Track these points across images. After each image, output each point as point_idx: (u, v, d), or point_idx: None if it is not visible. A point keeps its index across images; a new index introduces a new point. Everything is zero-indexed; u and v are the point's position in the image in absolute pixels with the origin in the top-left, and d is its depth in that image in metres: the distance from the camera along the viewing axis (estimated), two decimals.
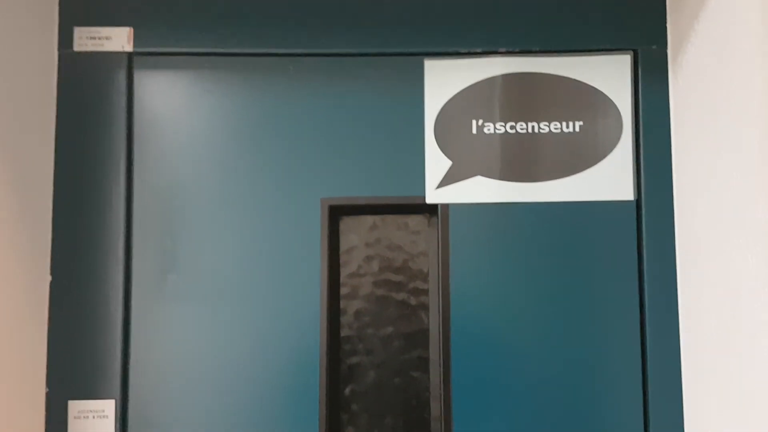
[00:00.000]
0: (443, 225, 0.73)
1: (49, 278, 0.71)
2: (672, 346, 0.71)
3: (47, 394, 0.70)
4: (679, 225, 0.71)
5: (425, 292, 0.77)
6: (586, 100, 0.73)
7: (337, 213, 0.76)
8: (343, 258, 0.77)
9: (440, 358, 0.72)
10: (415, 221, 0.78)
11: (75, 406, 0.70)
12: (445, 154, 0.73)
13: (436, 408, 0.74)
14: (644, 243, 0.72)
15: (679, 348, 0.71)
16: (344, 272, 0.77)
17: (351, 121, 0.74)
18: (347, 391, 0.75)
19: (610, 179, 0.72)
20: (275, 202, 0.73)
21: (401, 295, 0.77)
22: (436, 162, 0.73)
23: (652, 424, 0.70)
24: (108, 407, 0.70)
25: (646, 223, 0.72)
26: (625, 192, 0.72)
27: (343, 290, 0.77)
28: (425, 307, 0.76)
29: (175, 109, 0.74)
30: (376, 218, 0.78)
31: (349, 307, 0.77)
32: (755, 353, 0.55)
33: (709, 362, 0.64)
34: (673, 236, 0.72)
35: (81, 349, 0.71)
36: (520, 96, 0.73)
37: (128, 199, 0.73)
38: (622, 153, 0.72)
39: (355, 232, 0.77)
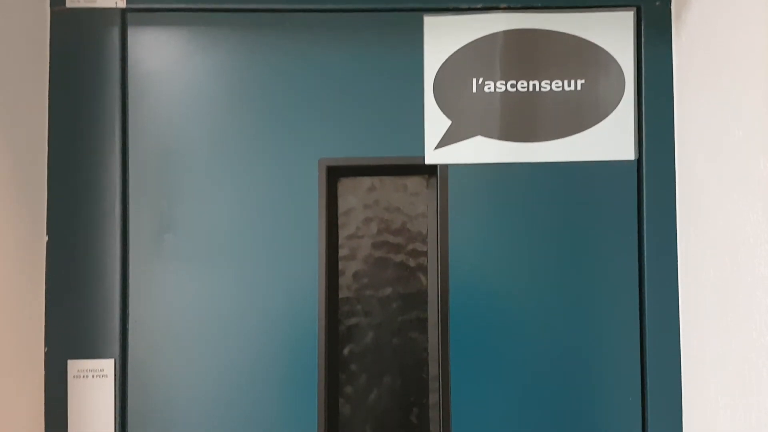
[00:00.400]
0: (442, 186, 0.73)
1: (45, 238, 0.71)
2: (670, 303, 0.71)
3: (46, 354, 0.70)
4: (680, 184, 0.71)
5: (424, 253, 0.76)
6: (588, 58, 0.72)
7: (335, 174, 0.75)
8: (341, 220, 0.77)
9: (438, 320, 0.73)
10: (414, 183, 0.77)
11: (74, 366, 0.70)
12: (445, 114, 0.72)
13: (434, 368, 0.75)
14: (644, 203, 0.72)
15: (677, 305, 0.71)
16: (342, 234, 0.77)
17: (348, 79, 0.73)
18: (346, 351, 0.76)
19: (612, 138, 0.71)
20: (272, 162, 0.72)
21: (400, 257, 0.76)
22: (435, 121, 0.72)
23: (650, 380, 0.71)
24: (107, 366, 0.70)
25: (646, 182, 0.72)
26: (626, 151, 0.71)
27: (342, 252, 0.76)
28: (424, 269, 0.76)
29: (170, 66, 0.73)
30: (375, 180, 0.77)
31: (348, 268, 0.76)
32: (753, 308, 0.55)
33: (707, 317, 0.65)
34: (674, 195, 0.71)
35: (79, 309, 0.71)
36: (521, 53, 0.72)
37: (123, 158, 0.72)
38: (624, 112, 0.71)
39: (353, 193, 0.77)
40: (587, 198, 0.72)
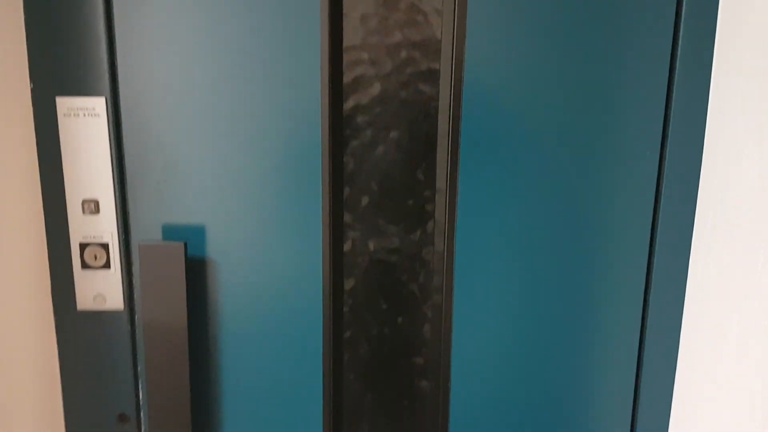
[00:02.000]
0: None
1: None
2: (697, 117, 0.65)
3: (32, 90, 0.66)
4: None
5: None
6: None
7: None
8: None
9: (452, 70, 0.66)
10: None
11: (63, 103, 0.66)
12: None
13: (443, 122, 0.70)
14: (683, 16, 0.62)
15: (705, 120, 0.65)
16: None
17: None
18: (351, 103, 0.71)
19: None
20: None
21: None
22: None
23: (665, 189, 0.67)
24: (99, 105, 0.66)
25: None
26: None
27: None
28: (438, 12, 0.68)
29: None
30: None
31: (353, 10, 0.69)
32: None
33: (734, 133, 0.58)
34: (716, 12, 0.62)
35: (63, 42, 0.65)
36: None
37: None
38: None
39: None
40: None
